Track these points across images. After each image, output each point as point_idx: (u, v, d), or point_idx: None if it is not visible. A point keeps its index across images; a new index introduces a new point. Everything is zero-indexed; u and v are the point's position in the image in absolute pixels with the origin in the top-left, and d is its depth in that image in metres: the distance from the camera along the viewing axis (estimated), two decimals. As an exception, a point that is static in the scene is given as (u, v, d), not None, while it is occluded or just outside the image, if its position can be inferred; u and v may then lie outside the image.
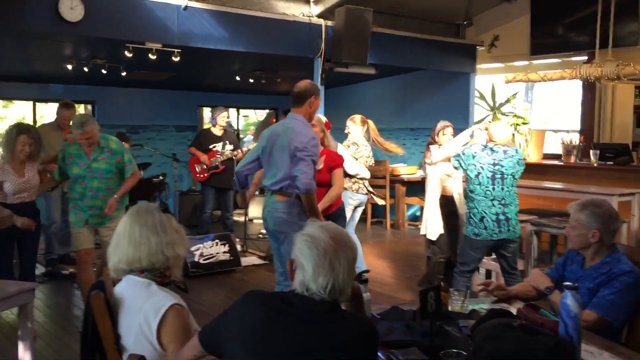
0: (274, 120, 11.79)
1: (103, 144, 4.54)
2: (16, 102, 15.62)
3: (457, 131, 5.59)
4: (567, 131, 8.92)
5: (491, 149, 4.49)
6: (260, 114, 12.83)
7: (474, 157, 4.49)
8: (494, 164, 4.45)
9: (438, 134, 5.56)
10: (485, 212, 4.44)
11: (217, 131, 7.29)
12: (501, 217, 4.43)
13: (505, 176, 4.45)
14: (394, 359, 2.02)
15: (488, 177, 4.44)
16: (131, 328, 2.04)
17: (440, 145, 5.51)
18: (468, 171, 4.53)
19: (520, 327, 2.07)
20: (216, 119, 7.26)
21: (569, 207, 2.89)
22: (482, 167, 4.45)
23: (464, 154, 4.57)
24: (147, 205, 2.18)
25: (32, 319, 3.20)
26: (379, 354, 2.06)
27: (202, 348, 1.82)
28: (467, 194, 4.58)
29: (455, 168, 4.71)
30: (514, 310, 2.48)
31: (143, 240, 2.08)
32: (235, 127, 11.21)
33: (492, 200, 4.44)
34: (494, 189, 4.44)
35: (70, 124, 6.03)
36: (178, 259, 2.17)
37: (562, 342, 2.04)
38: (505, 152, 4.49)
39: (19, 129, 4.39)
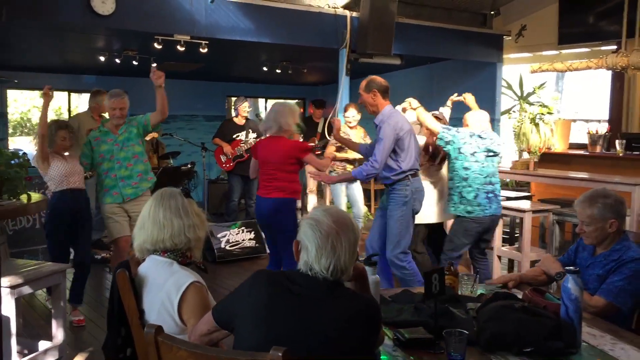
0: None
1: (127, 120, 4.79)
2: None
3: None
4: (599, 121, 8.83)
5: (479, 136, 4.69)
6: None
7: (471, 136, 4.66)
8: (486, 146, 4.68)
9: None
10: (478, 190, 4.62)
11: (240, 121, 7.56)
12: (490, 194, 4.66)
13: (495, 155, 4.72)
14: (399, 337, 2.13)
15: (484, 155, 4.66)
16: (154, 304, 2.19)
17: None
18: (462, 149, 4.63)
19: (522, 309, 2.16)
20: (238, 110, 7.55)
21: (575, 205, 2.90)
22: (478, 147, 4.65)
23: (458, 131, 4.67)
24: (170, 190, 2.33)
25: (65, 299, 3.38)
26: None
27: (215, 323, 1.96)
28: (458, 173, 4.66)
29: (447, 142, 4.67)
30: (520, 294, 2.56)
31: (167, 223, 2.24)
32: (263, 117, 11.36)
33: (485, 177, 4.65)
34: (487, 165, 4.67)
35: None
36: (199, 241, 2.32)
37: (563, 323, 2.12)
38: (491, 137, 4.74)
39: (58, 125, 4.60)
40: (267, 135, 4.57)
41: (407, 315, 2.36)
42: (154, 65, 4.47)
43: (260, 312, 1.78)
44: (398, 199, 4.35)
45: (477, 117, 4.84)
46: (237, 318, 1.84)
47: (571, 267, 2.20)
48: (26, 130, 18.97)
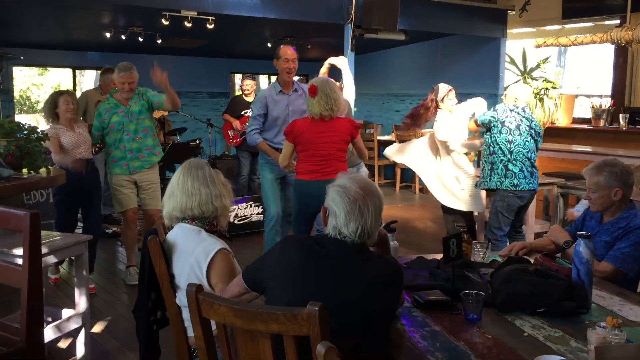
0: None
1: (137, 91, 4.85)
2: (51, 69, 16.07)
3: (486, 96, 5.62)
4: (600, 96, 8.89)
5: (523, 109, 4.76)
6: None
7: (511, 111, 4.72)
8: (529, 121, 4.75)
9: (443, 99, 5.14)
10: (523, 164, 4.68)
11: (248, 97, 7.59)
12: (532, 169, 4.74)
13: (537, 132, 4.78)
14: (418, 299, 2.24)
15: (526, 131, 4.71)
16: (184, 269, 2.29)
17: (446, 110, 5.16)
18: (505, 122, 4.68)
19: (535, 272, 2.27)
20: (242, 87, 7.72)
21: (584, 173, 2.99)
22: (520, 120, 4.70)
23: (495, 109, 4.76)
24: (198, 161, 2.43)
25: (87, 268, 3.49)
26: (405, 296, 2.28)
27: (246, 285, 2.06)
28: (503, 146, 4.69)
29: (484, 124, 4.77)
30: (531, 260, 2.66)
31: (195, 191, 2.34)
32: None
33: (527, 152, 4.70)
34: (530, 141, 4.73)
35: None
36: (225, 210, 2.42)
37: (574, 285, 2.22)
38: (533, 118, 4.82)
39: (58, 91, 4.70)
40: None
41: (424, 280, 2.47)
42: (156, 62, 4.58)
43: (291, 274, 1.88)
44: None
45: (524, 91, 4.92)
46: (268, 280, 1.94)
47: (583, 232, 2.29)
48: (25, 108, 18.94)
